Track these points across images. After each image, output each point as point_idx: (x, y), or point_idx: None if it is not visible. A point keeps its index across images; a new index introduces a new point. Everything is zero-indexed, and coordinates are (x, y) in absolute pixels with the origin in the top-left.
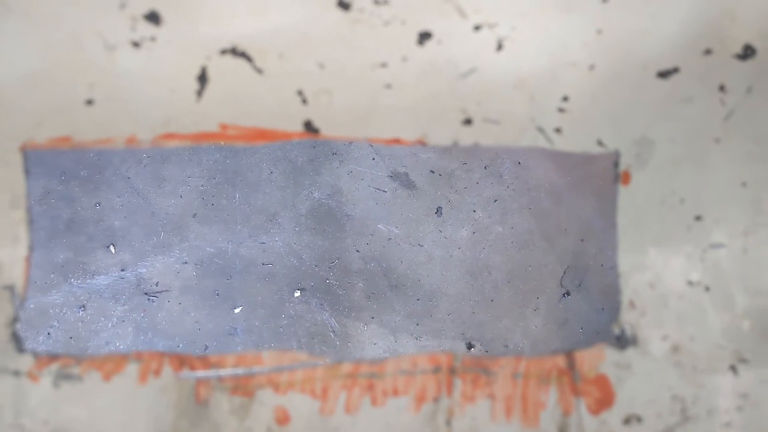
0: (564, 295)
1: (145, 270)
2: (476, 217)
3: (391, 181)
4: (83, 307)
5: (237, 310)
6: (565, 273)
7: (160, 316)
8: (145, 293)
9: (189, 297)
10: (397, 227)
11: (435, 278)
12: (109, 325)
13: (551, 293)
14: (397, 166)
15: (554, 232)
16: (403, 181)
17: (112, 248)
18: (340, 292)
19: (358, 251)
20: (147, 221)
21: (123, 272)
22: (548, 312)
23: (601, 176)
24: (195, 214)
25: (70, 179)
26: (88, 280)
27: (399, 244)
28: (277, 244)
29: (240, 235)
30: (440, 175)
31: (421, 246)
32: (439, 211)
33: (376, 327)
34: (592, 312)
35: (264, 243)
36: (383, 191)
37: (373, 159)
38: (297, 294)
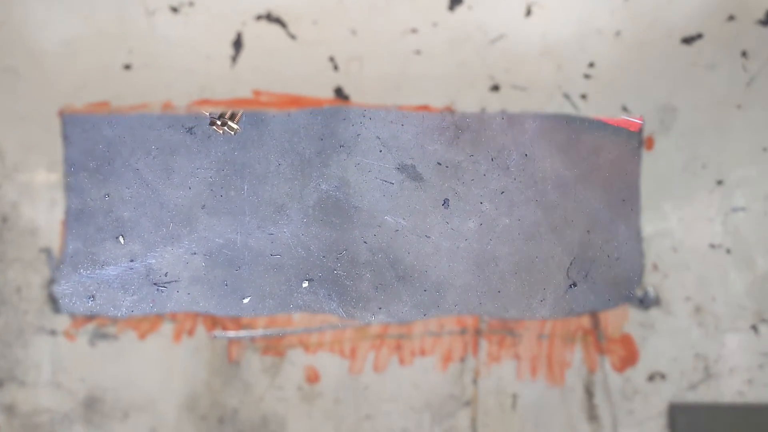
0: (570, 286)
1: (154, 261)
2: (483, 209)
3: (398, 173)
4: (93, 297)
5: (246, 301)
6: (571, 264)
7: (169, 306)
8: (154, 284)
9: (198, 287)
10: (404, 219)
11: (442, 269)
12: (118, 315)
13: (558, 284)
14: (404, 158)
15: (561, 224)
16: (410, 173)
17: (121, 239)
18: (348, 283)
19: (365, 242)
20: (156, 212)
21: (132, 263)
22: (555, 303)
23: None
24: (204, 206)
25: (79, 170)
26: (98, 271)
27: (406, 236)
28: (285, 235)
29: (248, 227)
30: (447, 167)
31: (428, 237)
32: (446, 202)
33: (384, 317)
34: (598, 302)
35: (272, 234)
36: (390, 183)
37: (380, 151)
38: (305, 284)
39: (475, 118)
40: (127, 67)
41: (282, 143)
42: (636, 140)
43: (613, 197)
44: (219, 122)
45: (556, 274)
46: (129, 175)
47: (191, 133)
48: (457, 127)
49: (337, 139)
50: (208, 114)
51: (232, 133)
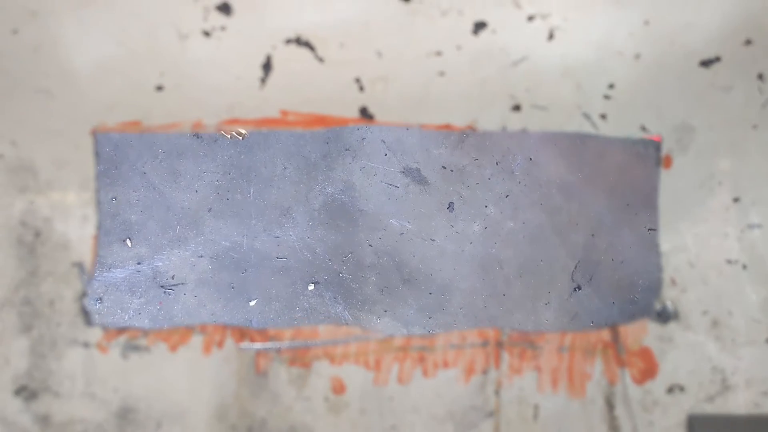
0: (575, 289)
1: (161, 263)
2: (488, 213)
3: (403, 176)
4: (100, 299)
5: (252, 303)
6: (576, 267)
7: (176, 308)
8: (161, 286)
9: (204, 290)
10: (409, 222)
11: (447, 272)
12: (126, 317)
13: (562, 288)
14: (410, 162)
15: (565, 227)
16: (416, 176)
17: (128, 242)
18: (354, 286)
19: (370, 245)
20: (163, 215)
21: (139, 265)
22: (559, 306)
23: (622, 167)
24: (210, 209)
25: None
26: (105, 274)
27: (411, 239)
28: (291, 238)
29: (254, 229)
30: (452, 170)
31: (434, 241)
32: (451, 206)
33: (389, 320)
34: (603, 306)
35: (278, 237)
36: (396, 186)
37: (386, 155)
38: (311, 287)
39: None
40: (159, 88)
41: (288, 147)
42: (641, 146)
43: (618, 201)
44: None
45: (560, 277)
46: (136, 178)
47: (198, 137)
48: (462, 131)
49: (343, 143)
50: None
51: (240, 137)
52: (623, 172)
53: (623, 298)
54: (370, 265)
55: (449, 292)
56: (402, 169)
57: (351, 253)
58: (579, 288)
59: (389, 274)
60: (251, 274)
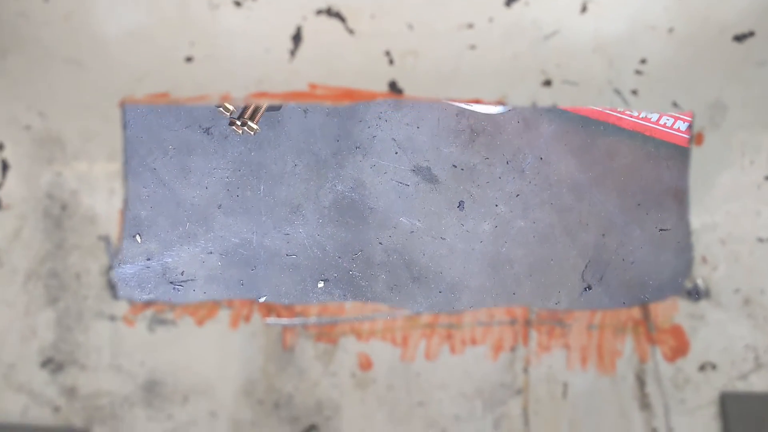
0: (585, 289)
1: (170, 259)
2: (498, 212)
3: (413, 174)
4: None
5: (261, 300)
6: (586, 267)
7: None
8: (171, 282)
9: (214, 286)
10: (419, 220)
11: (457, 271)
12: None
13: (573, 287)
14: (420, 160)
15: (576, 227)
16: (426, 175)
17: (138, 238)
18: (363, 284)
19: (380, 243)
20: (173, 212)
21: (149, 261)
22: (569, 305)
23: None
24: (220, 205)
25: None
26: (115, 269)
27: (421, 237)
28: (301, 235)
29: (264, 226)
30: (462, 169)
31: (444, 239)
32: (461, 204)
33: None
34: (613, 305)
35: (288, 234)
36: (406, 185)
37: (396, 153)
38: (320, 285)
39: (490, 121)
40: (189, 59)
41: (298, 144)
42: (651, 145)
43: (628, 201)
44: (239, 122)
45: (570, 276)
46: (146, 174)
47: (208, 134)
48: (473, 129)
49: (353, 141)
50: (228, 114)
51: (252, 133)
52: (634, 172)
53: (633, 298)
54: (380, 262)
55: (459, 290)
56: (412, 168)
57: (361, 250)
58: (589, 287)
59: (399, 272)
60: (261, 270)
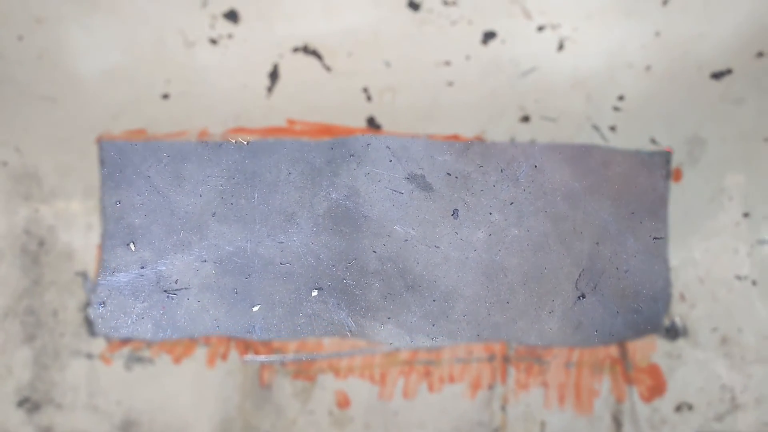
0: (579, 297)
1: (164, 268)
2: (492, 220)
3: (408, 182)
4: (103, 303)
5: (255, 309)
6: (580, 276)
7: (179, 313)
8: (165, 290)
9: (208, 295)
10: (413, 228)
11: (451, 279)
12: (129, 321)
13: (566, 296)
14: (414, 168)
15: (570, 236)
16: (420, 182)
17: (132, 246)
18: (357, 292)
19: (374, 252)
20: (167, 219)
21: (143, 269)
22: (563, 315)
23: (620, 177)
24: (214, 213)
25: None
26: (108, 277)
27: (415, 246)
28: (295, 243)
29: (258, 235)
30: (457, 177)
31: (438, 247)
32: (455, 213)
33: (393, 327)
34: (607, 315)
35: (282, 242)
36: (400, 193)
37: (390, 161)
38: (314, 293)
39: None
40: (165, 96)
41: (292, 152)
42: (647, 155)
43: (623, 209)
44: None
45: (564, 285)
46: (140, 182)
47: (202, 142)
48: (468, 140)
49: (347, 149)
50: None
51: (245, 142)
52: (628, 181)
53: (628, 308)
54: (374, 271)
55: (453, 299)
56: (407, 176)
57: (355, 259)
58: (583, 296)
59: (393, 281)
60: (255, 279)
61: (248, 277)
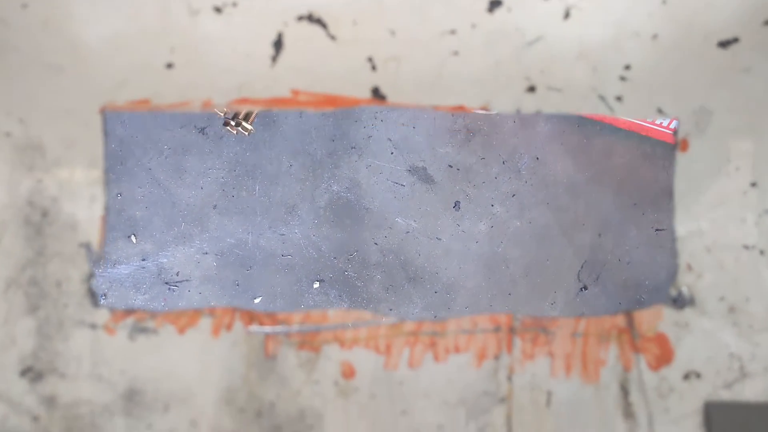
0: (581, 289)
1: (165, 260)
2: (494, 212)
3: (409, 175)
4: (104, 295)
5: (257, 300)
6: (582, 267)
7: (181, 305)
8: (166, 283)
9: (209, 287)
10: (415, 221)
11: (453, 271)
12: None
13: (568, 287)
14: (416, 161)
15: (572, 227)
16: (422, 175)
17: (133, 238)
18: (359, 284)
19: (376, 244)
20: (168, 212)
21: (144, 262)
22: (565, 305)
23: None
24: (215, 206)
25: None
26: (110, 270)
27: (417, 237)
28: (297, 235)
29: (260, 227)
30: (458, 169)
31: (439, 239)
32: (457, 205)
33: (394, 320)
34: (609, 306)
35: (283, 234)
36: (401, 185)
37: (392, 153)
38: (316, 285)
39: (486, 120)
40: (169, 65)
41: (293, 144)
42: (647, 145)
43: (625, 201)
44: (233, 122)
45: (566, 276)
46: (141, 174)
47: (203, 134)
48: (469, 129)
49: (349, 141)
50: (222, 114)
51: (246, 133)
52: (630, 172)
53: (630, 299)
54: (376, 263)
55: (455, 290)
56: (408, 168)
57: (356, 251)
58: (585, 288)
59: (394, 273)
60: (256, 271)
61: (249, 269)
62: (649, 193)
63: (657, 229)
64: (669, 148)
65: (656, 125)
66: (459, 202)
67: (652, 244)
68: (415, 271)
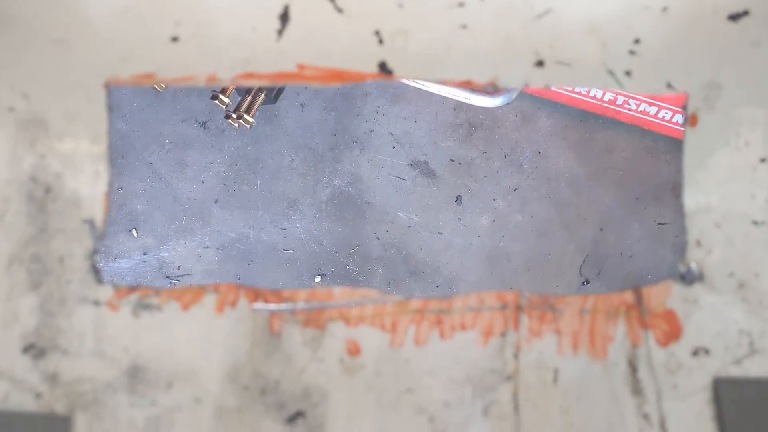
0: (583, 283)
1: (167, 254)
2: (496, 206)
3: (411, 169)
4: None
5: (317, 280)
6: (584, 262)
7: None
8: (167, 277)
9: (210, 281)
10: (416, 215)
11: (454, 265)
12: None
13: (570, 281)
14: (418, 155)
15: (574, 221)
16: (423, 169)
17: (134, 232)
18: (360, 279)
19: (378, 238)
20: (169, 206)
21: (145, 256)
22: None
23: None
24: (217, 200)
25: None
26: (111, 263)
27: (419, 232)
28: (298, 230)
29: (261, 221)
30: (460, 163)
31: (441, 234)
32: (458, 199)
33: None
34: None
35: (285, 229)
36: (403, 179)
37: (394, 147)
38: (317, 279)
39: (488, 115)
40: (175, 39)
41: (295, 138)
42: (650, 139)
43: (627, 195)
44: (234, 115)
45: (568, 271)
46: (142, 168)
47: (205, 128)
48: (471, 124)
49: (350, 135)
50: (224, 107)
51: (248, 126)
52: (633, 166)
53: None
54: (377, 257)
55: (456, 285)
56: (410, 162)
57: (358, 245)
58: (587, 282)
59: (396, 267)
60: (257, 265)
61: (251, 264)
62: (652, 187)
63: (659, 223)
64: (671, 142)
65: (658, 119)
66: (461, 196)
67: (655, 238)
68: (417, 265)
